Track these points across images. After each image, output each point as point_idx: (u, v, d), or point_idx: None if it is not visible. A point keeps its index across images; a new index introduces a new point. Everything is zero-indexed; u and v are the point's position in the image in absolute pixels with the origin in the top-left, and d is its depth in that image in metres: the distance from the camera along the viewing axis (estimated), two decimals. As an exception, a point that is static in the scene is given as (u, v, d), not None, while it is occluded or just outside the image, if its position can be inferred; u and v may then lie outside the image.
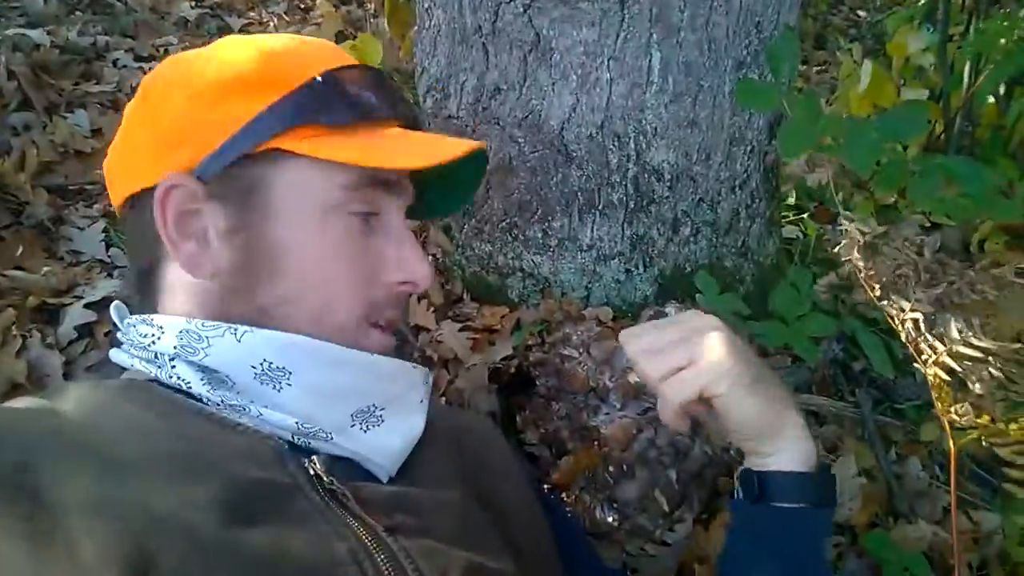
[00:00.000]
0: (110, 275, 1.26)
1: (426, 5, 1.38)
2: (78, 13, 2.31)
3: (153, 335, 0.60)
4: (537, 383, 1.16)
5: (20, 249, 1.24)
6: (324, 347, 0.59)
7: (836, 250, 1.00)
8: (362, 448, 0.60)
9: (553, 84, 1.23)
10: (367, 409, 0.61)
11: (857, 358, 1.47)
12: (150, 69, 0.71)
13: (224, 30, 2.54)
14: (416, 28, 1.48)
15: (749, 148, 1.35)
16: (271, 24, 2.67)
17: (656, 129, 1.25)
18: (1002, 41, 1.82)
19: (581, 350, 1.14)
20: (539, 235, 1.34)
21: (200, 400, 0.58)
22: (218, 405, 0.57)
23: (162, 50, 2.22)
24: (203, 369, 0.58)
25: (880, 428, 1.32)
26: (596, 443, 1.05)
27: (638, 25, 1.17)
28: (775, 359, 1.38)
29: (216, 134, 0.60)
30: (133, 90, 0.72)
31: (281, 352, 0.58)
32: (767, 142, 1.38)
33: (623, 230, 1.32)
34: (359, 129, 0.63)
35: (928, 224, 1.90)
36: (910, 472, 1.28)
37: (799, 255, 1.67)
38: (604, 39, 1.19)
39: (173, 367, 0.58)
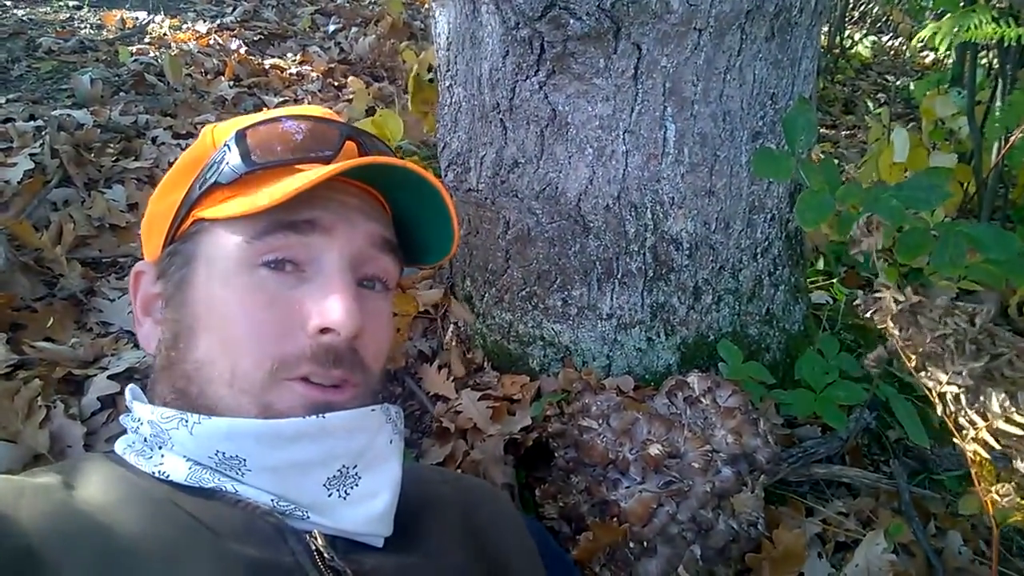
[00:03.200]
0: (137, 346, 1.29)
1: (447, 83, 1.43)
2: (122, 93, 2.43)
3: (134, 427, 0.62)
4: (556, 455, 1.14)
5: (51, 320, 1.28)
6: (269, 426, 0.57)
7: (869, 316, 0.97)
8: (345, 524, 0.59)
9: (569, 157, 1.25)
10: (340, 473, 0.59)
11: (892, 427, 1.43)
12: (187, 146, 0.76)
13: (260, 108, 2.65)
14: (439, 105, 1.53)
15: (770, 216, 1.34)
16: (306, 102, 2.77)
17: (673, 199, 1.25)
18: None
19: (600, 421, 1.12)
20: (559, 304, 1.34)
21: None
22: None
23: (199, 127, 2.31)
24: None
25: (917, 500, 1.27)
26: (616, 518, 1.02)
27: (652, 99, 1.19)
28: (804, 429, 1.34)
29: (165, 220, 0.66)
30: (170, 165, 0.77)
31: (228, 441, 0.56)
32: (788, 209, 1.37)
33: (643, 298, 1.31)
34: (266, 180, 0.62)
35: (957, 289, 1.86)
36: (951, 547, 1.22)
37: (828, 322, 1.64)
38: (619, 113, 1.21)
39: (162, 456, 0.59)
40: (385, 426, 0.64)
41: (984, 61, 2.86)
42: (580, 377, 1.29)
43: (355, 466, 0.60)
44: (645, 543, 1.01)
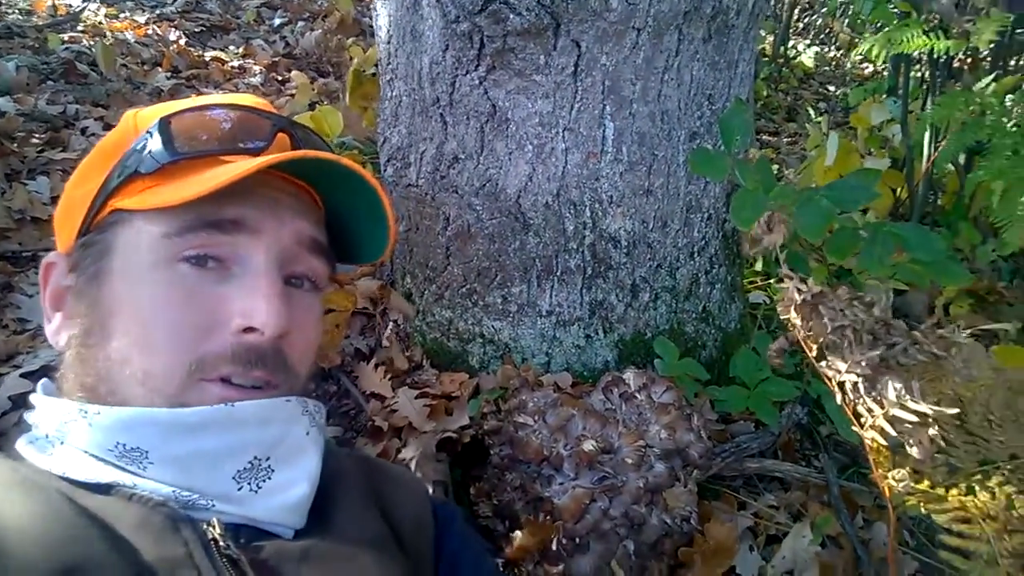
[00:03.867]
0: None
1: (388, 77, 1.41)
2: (51, 82, 2.33)
3: (35, 422, 0.60)
4: (491, 452, 1.13)
5: (-34, 317, 1.22)
6: (173, 415, 0.54)
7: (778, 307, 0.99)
8: (254, 512, 0.56)
9: (510, 154, 1.25)
10: (251, 465, 0.57)
11: (823, 422, 1.46)
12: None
13: (199, 100, 2.58)
14: (380, 99, 1.51)
15: (707, 215, 1.36)
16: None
17: (612, 197, 1.26)
18: (958, 113, 1.87)
19: (536, 417, 1.12)
20: (499, 301, 1.34)
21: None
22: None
23: (134, 119, 2.24)
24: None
25: (846, 493, 1.30)
26: (549, 515, 1.02)
27: (591, 97, 1.20)
28: (738, 425, 1.37)
29: (82, 209, 0.62)
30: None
31: (129, 432, 0.54)
32: (725, 209, 1.40)
33: (582, 296, 1.31)
34: (187, 172, 0.59)
35: (885, 289, 1.92)
36: (876, 538, 1.25)
37: (764, 321, 1.67)
38: (559, 110, 1.21)
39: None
40: (301, 418, 0.62)
41: (916, 73, 2.96)
42: (518, 374, 1.29)
43: (268, 458, 0.58)
44: (578, 539, 1.01)
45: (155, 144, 0.59)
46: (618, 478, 1.05)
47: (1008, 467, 0.73)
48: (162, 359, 0.56)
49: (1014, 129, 1.74)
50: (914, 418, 0.73)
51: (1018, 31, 2.56)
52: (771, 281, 1.92)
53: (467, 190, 1.29)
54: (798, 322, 0.85)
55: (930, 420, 0.73)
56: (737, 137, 1.17)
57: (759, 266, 2.01)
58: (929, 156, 2.30)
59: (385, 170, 1.45)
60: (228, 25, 3.61)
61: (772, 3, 4.94)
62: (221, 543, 0.52)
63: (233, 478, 0.56)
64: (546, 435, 1.09)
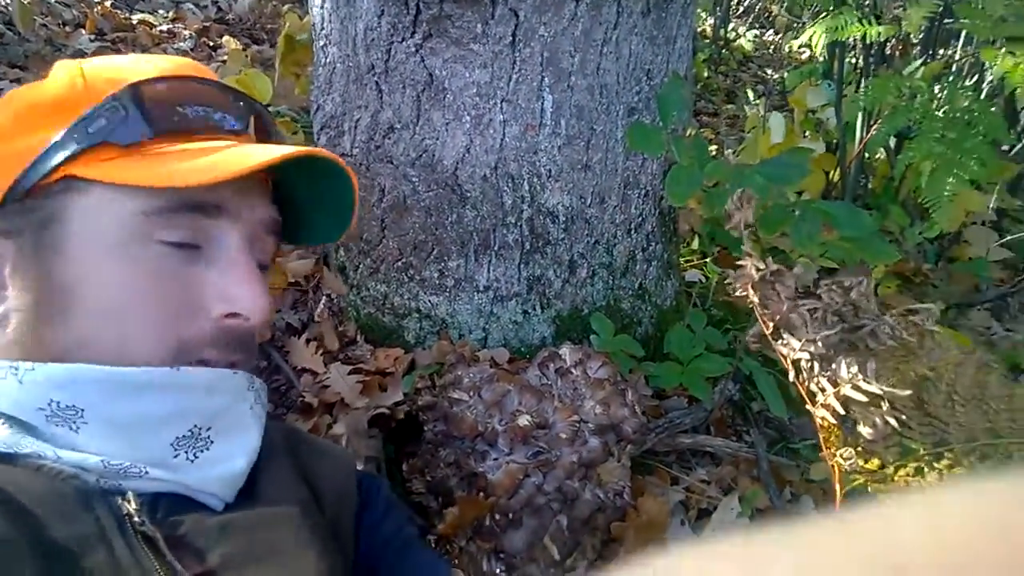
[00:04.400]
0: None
1: (321, 43, 1.36)
2: (-39, 41, 2.19)
3: None
4: (425, 428, 1.12)
5: None
6: (115, 372, 0.52)
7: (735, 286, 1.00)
8: (188, 479, 0.54)
9: (447, 124, 1.22)
10: (190, 433, 0.55)
11: (755, 399, 1.49)
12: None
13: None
14: (313, 65, 1.46)
15: (644, 192, 1.36)
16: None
17: (550, 171, 1.25)
18: (890, 98, 1.92)
19: (471, 393, 1.10)
20: (435, 275, 1.31)
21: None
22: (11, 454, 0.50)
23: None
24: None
25: (775, 468, 1.33)
26: (482, 491, 1.01)
27: (529, 68, 1.18)
28: (671, 401, 1.38)
29: (15, 166, 0.55)
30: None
31: (66, 389, 0.51)
32: (662, 186, 1.40)
33: (519, 271, 1.30)
34: (163, 147, 0.57)
35: (816, 267, 1.96)
36: (803, 511, 1.28)
37: (699, 299, 1.69)
38: (496, 81, 1.18)
39: None
40: (247, 393, 0.60)
41: (851, 59, 3.02)
42: (454, 350, 1.27)
43: (208, 428, 0.56)
44: (511, 515, 1.01)
45: (132, 114, 0.56)
46: (552, 453, 1.04)
47: (960, 448, 0.75)
48: (143, 344, 0.54)
49: (942, 113, 1.79)
50: (865, 398, 0.74)
51: (947, 19, 2.64)
52: (707, 260, 1.94)
53: (403, 160, 1.26)
54: (755, 299, 0.85)
55: (883, 401, 0.74)
56: (674, 113, 1.17)
57: (695, 245, 2.03)
58: (861, 139, 2.35)
59: (318, 138, 1.40)
60: (157, -13, 3.44)
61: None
62: (136, 519, 0.50)
63: (171, 444, 0.54)
64: (481, 411, 1.08)
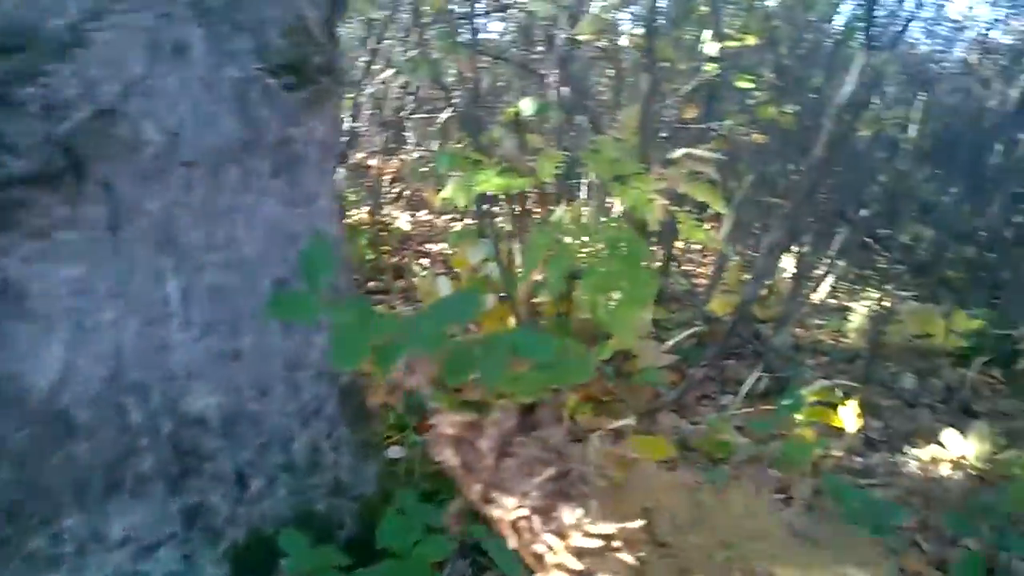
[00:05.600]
0: None
1: None
2: None
3: None
4: None
5: None
6: None
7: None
8: None
9: (34, 339, 0.93)
10: None
11: (489, 568, 1.32)
12: None
13: None
14: None
15: (315, 372, 1.17)
16: None
17: (189, 371, 1.01)
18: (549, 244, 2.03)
19: None
20: (46, 545, 0.95)
21: None
22: None
23: None
24: None
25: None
26: None
27: (141, 251, 0.96)
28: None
29: None
30: None
31: None
32: (336, 362, 1.23)
33: (168, 506, 1.00)
34: None
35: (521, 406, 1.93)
36: None
37: (406, 475, 1.51)
38: (97, 273, 0.94)
39: None
40: None
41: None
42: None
43: None
44: None
45: None
46: None
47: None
48: None
49: (601, 246, 1.92)
50: (599, 543, 0.62)
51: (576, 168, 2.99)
52: (407, 430, 1.78)
53: (-27, 398, 0.92)
54: (455, 461, 0.71)
55: (615, 542, 0.62)
56: (322, 273, 1.02)
57: (392, 418, 1.87)
58: (527, 285, 2.47)
59: None
60: None
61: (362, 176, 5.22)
62: None
63: None
64: None
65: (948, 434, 2.18)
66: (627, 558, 0.71)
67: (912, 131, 4.13)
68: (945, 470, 2.13)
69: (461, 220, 5.63)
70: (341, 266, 1.15)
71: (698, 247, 4.32)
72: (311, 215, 1.16)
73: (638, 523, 0.69)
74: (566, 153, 2.37)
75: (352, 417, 1.27)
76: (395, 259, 4.96)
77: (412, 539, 1.16)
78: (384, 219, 5.43)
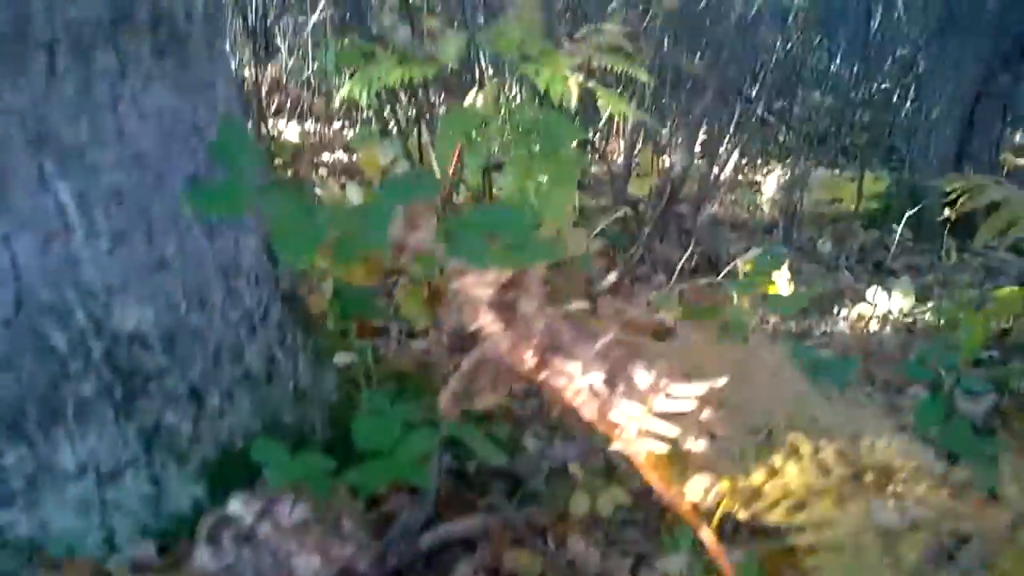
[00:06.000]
0: None
1: None
2: None
3: None
4: None
5: None
6: None
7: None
8: None
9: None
10: None
11: (471, 456, 1.29)
12: None
13: None
14: None
15: (253, 276, 1.07)
16: None
17: (109, 285, 0.89)
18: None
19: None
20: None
21: None
22: None
23: None
24: None
25: (531, 519, 1.14)
26: None
27: (14, 156, 0.83)
28: (392, 502, 1.10)
29: None
30: None
31: None
32: (273, 263, 1.12)
33: (124, 431, 0.91)
34: None
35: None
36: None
37: (365, 378, 1.44)
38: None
39: None
40: None
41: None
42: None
43: None
44: None
45: None
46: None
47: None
48: None
49: (520, 130, 1.83)
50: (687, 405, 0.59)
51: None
52: (347, 335, 1.69)
53: None
54: (496, 327, 0.65)
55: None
56: (241, 160, 0.90)
57: (331, 324, 1.77)
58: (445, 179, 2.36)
59: None
60: None
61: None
62: None
63: None
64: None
65: (873, 291, 2.29)
66: (711, 418, 0.67)
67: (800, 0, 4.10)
68: (874, 325, 2.24)
69: (354, 126, 5.37)
70: (259, 155, 1.03)
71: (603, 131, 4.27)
72: (210, 102, 1.02)
73: (722, 381, 0.65)
74: (466, 35, 2.22)
75: (301, 322, 1.18)
76: (290, 173, 4.69)
77: (392, 437, 1.11)
78: (269, 133, 5.10)
